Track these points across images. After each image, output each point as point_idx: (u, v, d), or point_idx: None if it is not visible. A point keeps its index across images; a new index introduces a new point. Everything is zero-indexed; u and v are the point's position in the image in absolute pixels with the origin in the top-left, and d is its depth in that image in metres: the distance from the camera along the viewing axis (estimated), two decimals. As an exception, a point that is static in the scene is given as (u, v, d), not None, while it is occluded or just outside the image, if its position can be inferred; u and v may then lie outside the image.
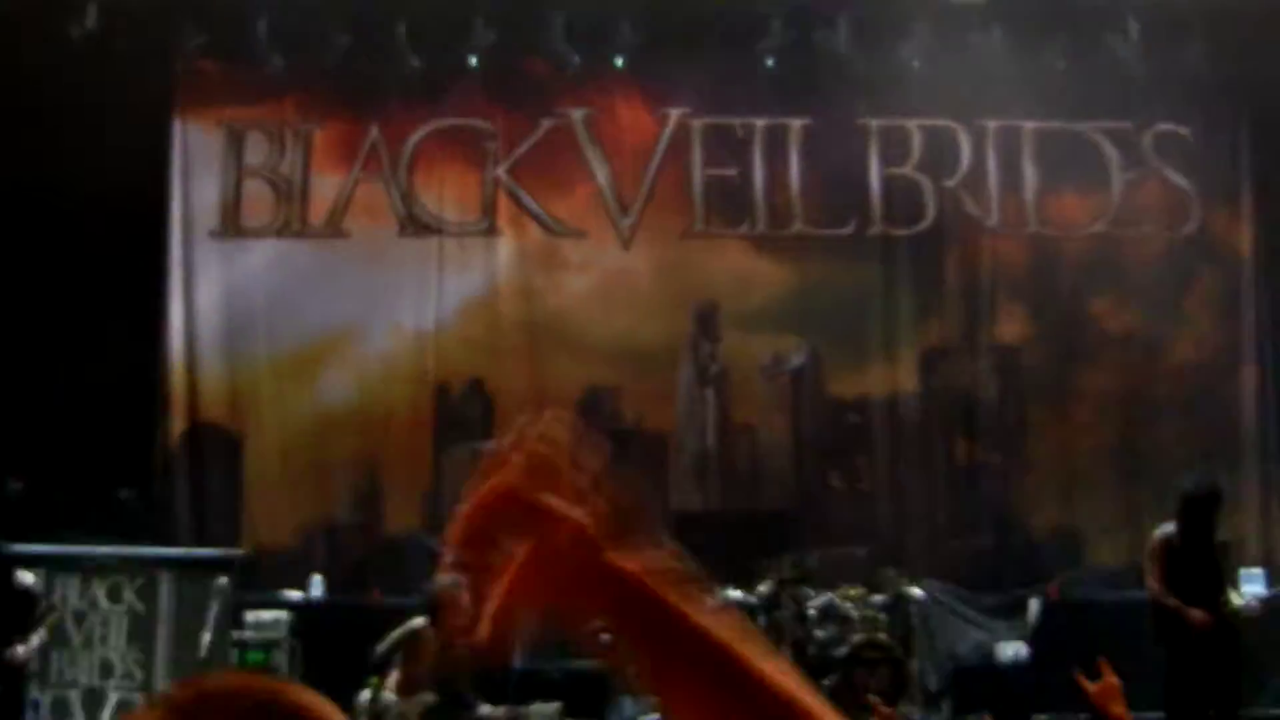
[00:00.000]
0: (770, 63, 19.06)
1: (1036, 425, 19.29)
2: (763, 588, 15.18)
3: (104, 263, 17.30)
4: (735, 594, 14.73)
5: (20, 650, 13.01)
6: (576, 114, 19.28)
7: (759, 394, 19.10)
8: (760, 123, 19.48)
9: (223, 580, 15.02)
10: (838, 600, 15.01)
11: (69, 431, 16.72)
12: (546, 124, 19.23)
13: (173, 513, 17.84)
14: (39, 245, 17.10)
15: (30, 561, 14.50)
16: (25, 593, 13.14)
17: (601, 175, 19.31)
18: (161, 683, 14.89)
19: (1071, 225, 19.62)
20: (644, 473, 17.68)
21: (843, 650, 14.50)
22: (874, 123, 19.52)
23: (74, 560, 15.32)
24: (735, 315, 19.12)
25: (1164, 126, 19.47)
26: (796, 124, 19.49)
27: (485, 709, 12.20)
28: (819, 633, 14.79)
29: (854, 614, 14.91)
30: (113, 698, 15.13)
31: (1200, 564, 12.60)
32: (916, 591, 16.15)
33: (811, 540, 17.16)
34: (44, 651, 14.51)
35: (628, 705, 14.70)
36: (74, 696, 15.14)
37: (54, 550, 15.29)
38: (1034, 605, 16.97)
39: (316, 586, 16.65)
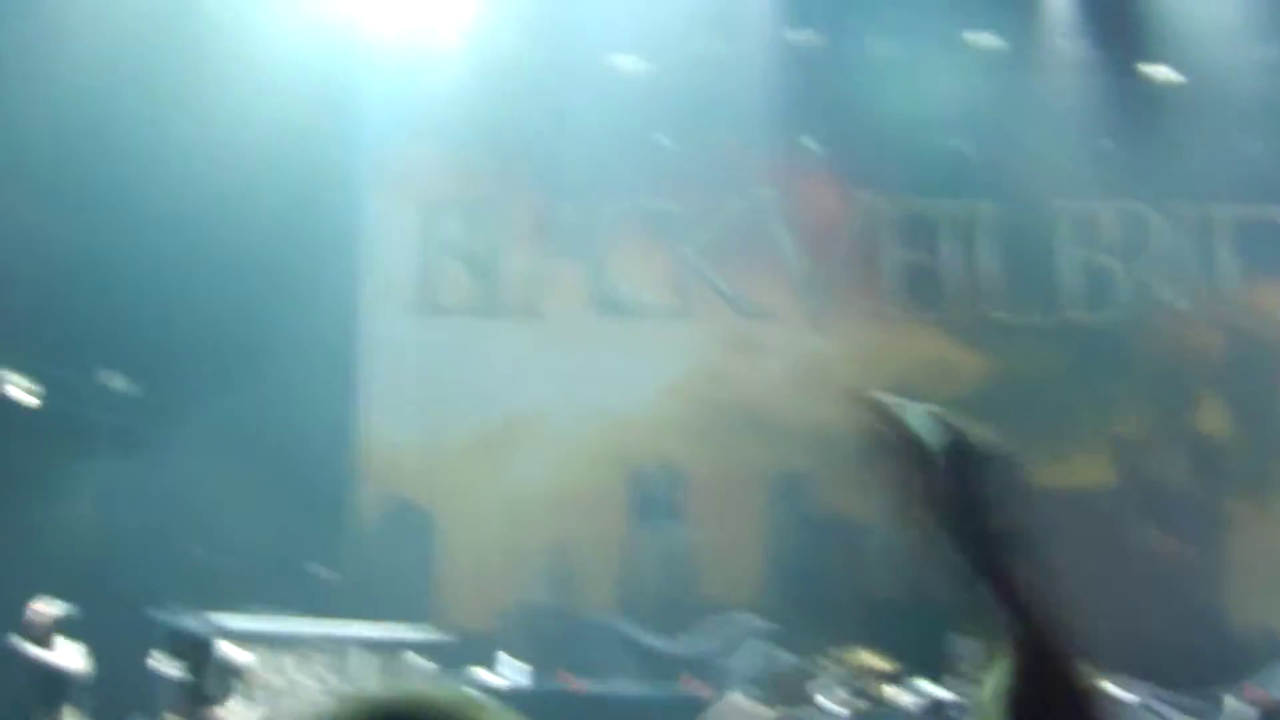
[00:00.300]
0: (962, 146, 18.88)
1: (1236, 519, 18.84)
2: (955, 679, 14.95)
3: (302, 337, 17.45)
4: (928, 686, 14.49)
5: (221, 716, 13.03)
6: (768, 195, 19.22)
7: (950, 480, 18.75)
8: (951, 206, 19.30)
9: (415, 658, 14.97)
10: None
11: (266, 506, 16.82)
12: (739, 206, 19.15)
13: (366, 590, 17.85)
14: (238, 320, 17.28)
15: (227, 635, 14.59)
16: (232, 666, 13.18)
17: (794, 258, 19.22)
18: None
19: (1270, 314, 19.20)
20: (837, 558, 17.61)
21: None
22: (1065, 206, 19.25)
23: (269, 636, 15.40)
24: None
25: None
26: (988, 208, 19.30)
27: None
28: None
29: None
30: (302, 772, 15.20)
31: None
32: (1110, 687, 15.81)
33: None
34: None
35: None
36: (264, 770, 15.21)
37: (250, 625, 15.38)
38: (1230, 704, 16.57)
39: (507, 667, 16.55)
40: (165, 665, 12.87)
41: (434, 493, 18.91)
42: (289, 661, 15.43)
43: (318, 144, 18.05)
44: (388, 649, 15.51)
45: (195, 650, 12.76)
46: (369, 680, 15.27)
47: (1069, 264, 19.39)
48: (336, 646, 15.56)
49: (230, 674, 13.01)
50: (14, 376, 16.92)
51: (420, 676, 14.97)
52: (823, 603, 16.80)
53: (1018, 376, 18.96)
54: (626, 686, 15.75)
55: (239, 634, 14.96)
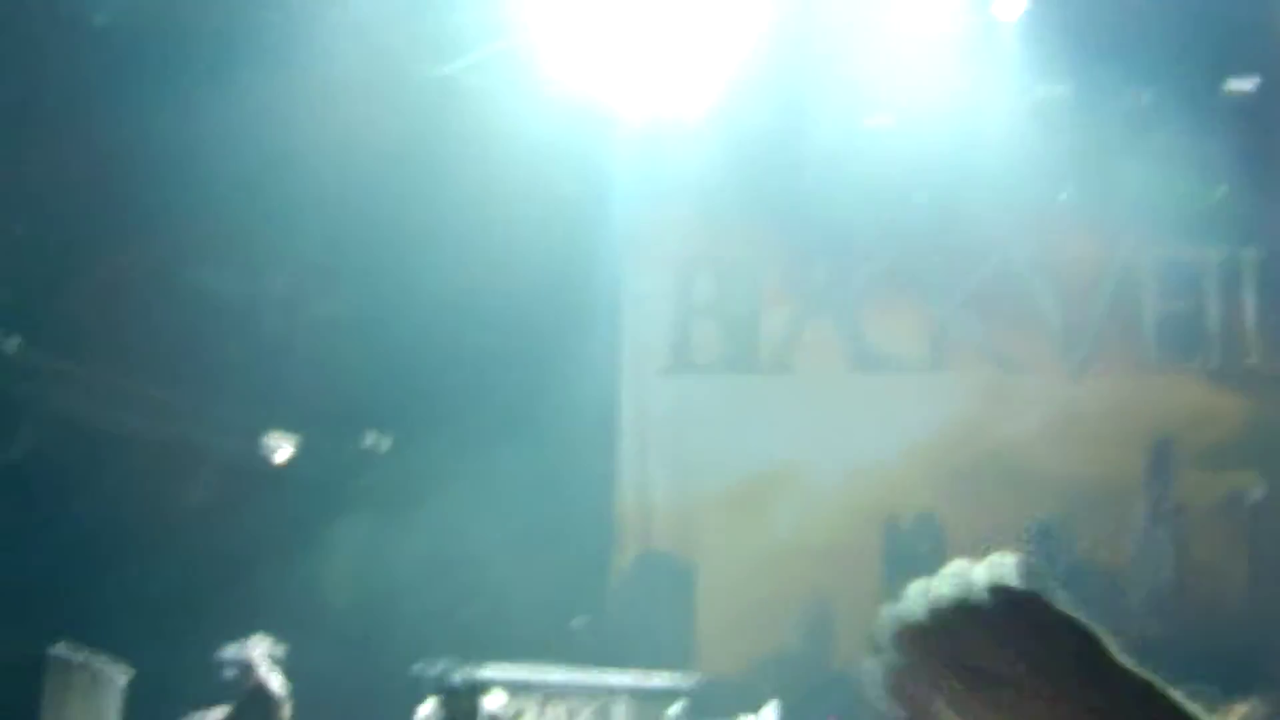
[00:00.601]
0: (1221, 194, 18.61)
1: None
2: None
3: (562, 398, 17.85)
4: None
5: None
6: (1023, 251, 19.16)
7: (1216, 531, 18.46)
8: (1213, 254, 19.04)
9: (675, 708, 15.11)
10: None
11: (529, 562, 17.18)
12: (995, 261, 19.12)
13: (625, 640, 18.08)
14: (502, 384, 17.75)
15: (489, 686, 14.93)
16: (494, 717, 13.44)
17: (1051, 310, 19.12)
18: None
19: None
20: (1097, 608, 17.35)
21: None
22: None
23: (532, 686, 15.75)
24: (1190, 451, 18.60)
25: None
26: (1251, 255, 18.99)
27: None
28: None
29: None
30: (569, 820, 15.46)
31: None
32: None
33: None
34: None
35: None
36: (531, 819, 15.50)
37: (512, 675, 15.73)
38: None
39: (771, 714, 16.58)
40: (431, 717, 13.20)
41: (691, 546, 19.14)
42: (555, 712, 15.71)
43: (576, 214, 18.53)
44: (648, 697, 15.64)
45: (460, 702, 13.10)
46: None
47: (1334, 311, 18.95)
48: (599, 695, 15.79)
49: None
50: (282, 439, 17.59)
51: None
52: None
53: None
54: None
55: (504, 684, 15.34)
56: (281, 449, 17.69)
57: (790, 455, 18.91)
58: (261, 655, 13.41)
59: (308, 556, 17.04)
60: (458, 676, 13.31)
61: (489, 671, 14.82)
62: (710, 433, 19.24)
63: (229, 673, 12.78)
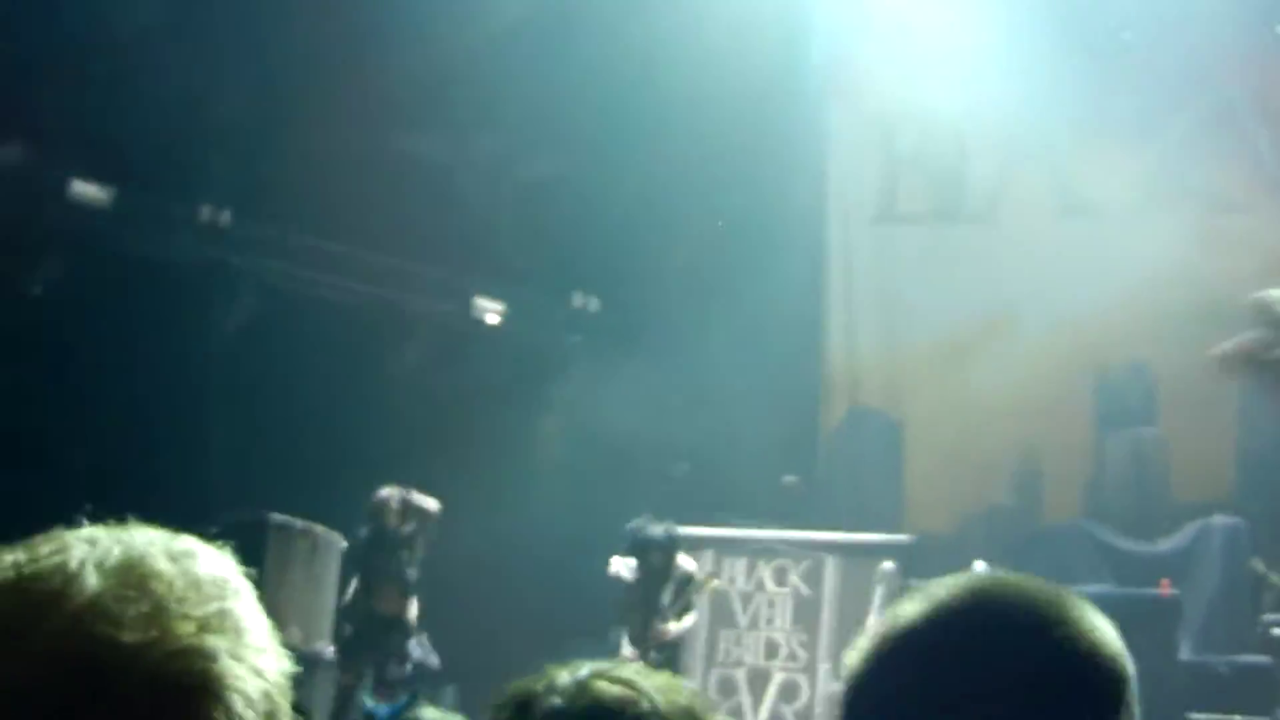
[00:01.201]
0: None
1: None
2: None
3: (768, 251, 17.85)
4: None
5: (672, 627, 13.40)
6: (1238, 88, 18.62)
7: None
8: None
9: (888, 564, 15.06)
10: None
11: (734, 417, 17.29)
12: (1209, 101, 18.61)
13: (835, 497, 18.14)
14: (707, 239, 17.81)
15: (698, 544, 15.13)
16: (686, 577, 13.55)
17: (1267, 149, 18.59)
18: (825, 665, 15.26)
19: None
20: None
21: None
22: None
23: (741, 544, 15.91)
24: None
25: None
26: None
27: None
28: None
29: None
30: (777, 678, 15.62)
31: None
32: None
33: None
34: (711, 632, 15.16)
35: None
36: (740, 676, 15.71)
37: (722, 534, 15.91)
38: None
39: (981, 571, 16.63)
40: (623, 570, 13.41)
41: (899, 401, 19.09)
42: (766, 570, 15.84)
43: (780, 65, 18.42)
44: (859, 554, 15.68)
45: (652, 556, 13.34)
46: (844, 586, 15.50)
47: None
48: (810, 554, 15.86)
49: (686, 584, 13.41)
50: (486, 301, 17.81)
51: (892, 582, 15.07)
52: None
53: None
54: (1100, 590, 15.08)
55: (712, 541, 15.52)
56: (491, 311, 17.94)
57: (998, 307, 18.59)
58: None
59: (520, 415, 17.33)
60: (657, 531, 13.32)
61: (693, 529, 14.97)
62: (917, 285, 19.06)
63: None
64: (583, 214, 17.48)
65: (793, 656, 15.83)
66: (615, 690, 2.13)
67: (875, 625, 1.97)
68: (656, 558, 13.24)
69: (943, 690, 1.85)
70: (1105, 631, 1.91)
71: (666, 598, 13.30)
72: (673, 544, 13.37)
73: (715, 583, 14.19)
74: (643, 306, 17.78)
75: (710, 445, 17.20)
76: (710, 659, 15.70)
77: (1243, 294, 17.44)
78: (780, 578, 15.95)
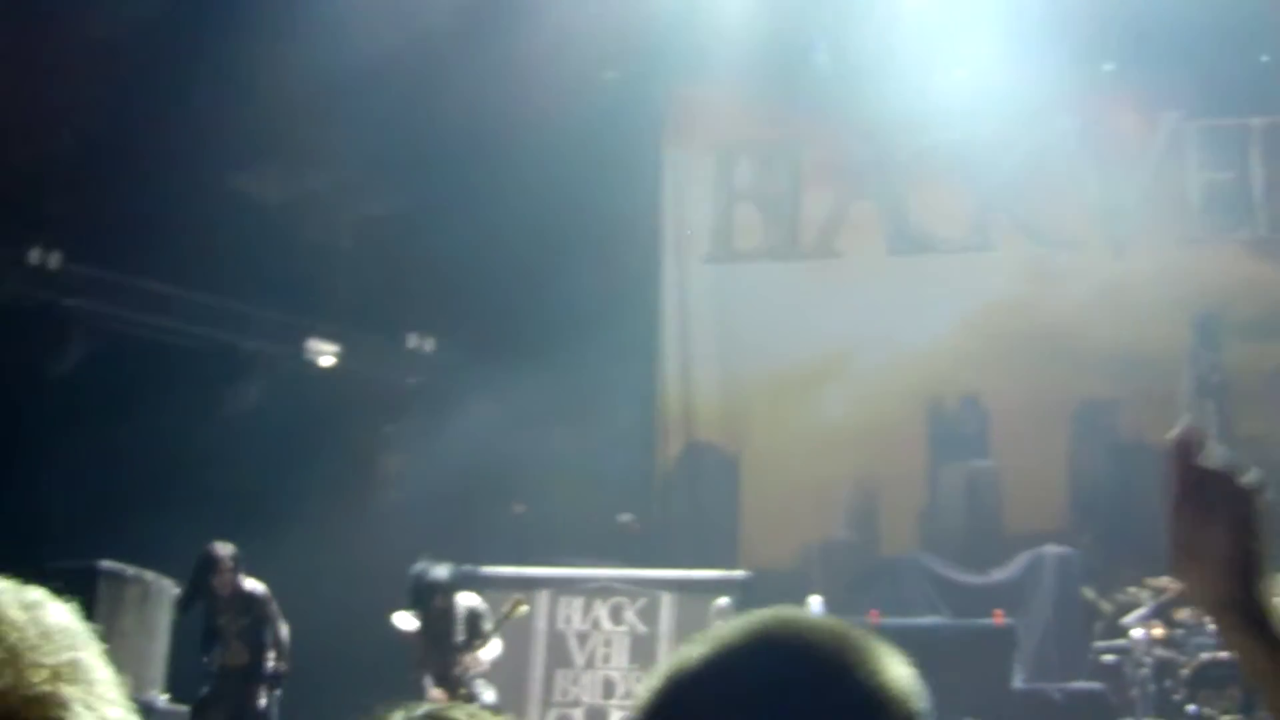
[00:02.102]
0: (1265, 59, 18.35)
1: None
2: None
3: (602, 289, 17.81)
4: None
5: (482, 655, 13.08)
6: (1069, 124, 18.94)
7: (1264, 404, 18.12)
8: (1258, 122, 18.75)
9: (723, 601, 15.05)
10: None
11: (569, 457, 17.20)
12: (1038, 136, 18.87)
13: (673, 534, 18.14)
14: (540, 276, 17.71)
15: (533, 584, 15.10)
16: (473, 613, 13.32)
17: (1094, 184, 18.91)
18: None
19: None
20: (1150, 486, 17.24)
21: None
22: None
23: (578, 583, 15.83)
24: (1237, 323, 18.37)
25: None
26: (1295, 121, 18.71)
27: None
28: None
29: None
30: (614, 717, 15.55)
31: None
32: None
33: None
34: (548, 672, 15.04)
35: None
36: (578, 715, 15.64)
37: (557, 574, 15.84)
38: None
39: (815, 607, 16.57)
40: (404, 624, 13.16)
41: (736, 436, 19.12)
42: (602, 608, 15.77)
43: (614, 101, 18.40)
44: (695, 590, 15.61)
45: (437, 600, 13.06)
46: (680, 623, 15.45)
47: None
48: (647, 591, 15.82)
49: (476, 620, 13.16)
50: (320, 343, 17.63)
51: (728, 618, 15.00)
52: (1130, 531, 16.48)
53: (1328, 293, 18.28)
54: (935, 623, 15.50)
55: (544, 582, 15.38)
56: (325, 353, 17.77)
57: (835, 340, 18.77)
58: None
59: (358, 458, 17.14)
60: (439, 573, 13.11)
61: (528, 570, 15.08)
62: (754, 320, 19.16)
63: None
64: (418, 253, 17.34)
65: (630, 695, 15.72)
66: None
67: (661, 666, 1.91)
68: (439, 600, 13.04)
69: None
70: (894, 671, 1.81)
71: (459, 636, 13.09)
72: (451, 584, 13.14)
73: (524, 608, 13.81)
74: (479, 346, 17.65)
75: (548, 484, 17.12)
76: (547, 699, 15.59)
77: (1073, 328, 17.77)
78: (616, 616, 15.84)
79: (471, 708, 2.26)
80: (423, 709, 2.17)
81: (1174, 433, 2.08)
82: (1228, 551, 2.04)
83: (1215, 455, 2.07)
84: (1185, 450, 2.08)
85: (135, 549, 14.01)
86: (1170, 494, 2.06)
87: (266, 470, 15.88)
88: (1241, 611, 2.02)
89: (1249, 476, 2.07)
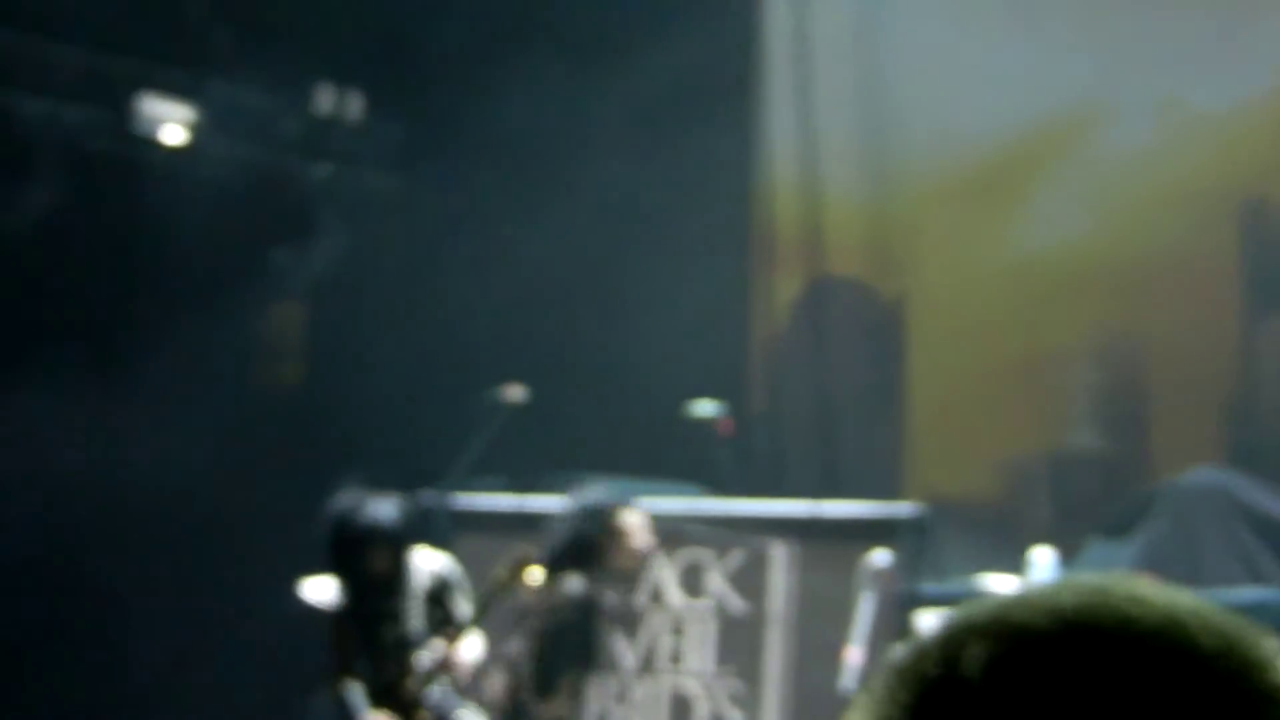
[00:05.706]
0: None
1: None
2: None
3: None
4: None
5: (463, 653, 9.20)
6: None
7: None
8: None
9: (879, 556, 9.23)
10: None
11: (598, 304, 11.60)
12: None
13: (785, 441, 12.60)
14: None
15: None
16: (440, 583, 9.24)
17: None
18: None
19: None
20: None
21: None
22: None
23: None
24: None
25: None
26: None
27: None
28: None
29: None
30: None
31: None
32: None
33: None
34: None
35: None
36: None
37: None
38: None
39: (1043, 566, 10.49)
40: (317, 593, 9.38)
41: (895, 268, 12.64)
42: (667, 569, 10.41)
43: None
44: (827, 536, 10.14)
45: (379, 554, 9.41)
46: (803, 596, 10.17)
47: None
48: (741, 537, 10.36)
49: (442, 592, 9.32)
50: (161, 103, 11.17)
51: (886, 585, 9.06)
52: None
53: None
54: (1262, 596, 10.01)
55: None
56: (172, 121, 11.36)
57: (1068, 103, 12.20)
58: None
59: (231, 304, 11.73)
60: (382, 510, 9.15)
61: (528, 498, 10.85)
62: (925, 69, 12.57)
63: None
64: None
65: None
66: None
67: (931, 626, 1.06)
68: (378, 559, 8.84)
69: None
70: None
71: (414, 622, 8.95)
72: (401, 532, 8.85)
73: (534, 571, 8.81)
74: (440, 113, 11.61)
75: (561, 353, 11.68)
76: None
77: None
78: (693, 583, 10.32)
79: None
80: None
81: None
82: None
83: None
84: None
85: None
86: None
87: (70, 321, 10.34)
88: None
89: None
